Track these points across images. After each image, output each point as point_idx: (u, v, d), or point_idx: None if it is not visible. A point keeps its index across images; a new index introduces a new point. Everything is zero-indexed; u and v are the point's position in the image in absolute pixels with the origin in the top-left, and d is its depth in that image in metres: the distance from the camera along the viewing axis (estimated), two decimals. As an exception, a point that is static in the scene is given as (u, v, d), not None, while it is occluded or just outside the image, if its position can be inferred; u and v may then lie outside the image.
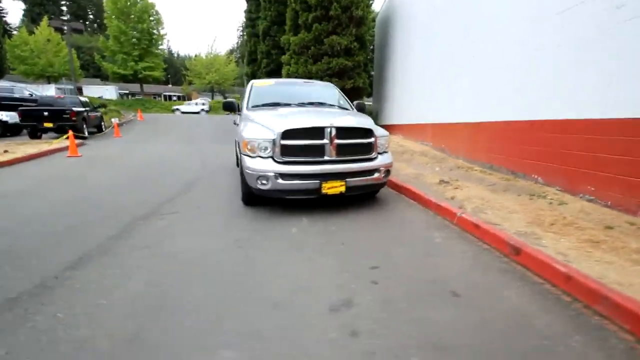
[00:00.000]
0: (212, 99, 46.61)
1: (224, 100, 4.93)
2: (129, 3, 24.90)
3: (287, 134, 3.45)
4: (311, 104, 4.68)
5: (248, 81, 21.36)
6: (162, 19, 26.91)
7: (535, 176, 4.55)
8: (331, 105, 4.74)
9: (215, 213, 3.83)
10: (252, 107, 4.53)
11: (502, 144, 5.30)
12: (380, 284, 2.22)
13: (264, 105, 4.57)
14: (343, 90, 13.14)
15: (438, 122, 7.75)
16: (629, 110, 3.20)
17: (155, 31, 26.65)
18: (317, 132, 3.52)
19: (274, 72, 16.44)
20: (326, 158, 3.57)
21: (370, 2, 12.99)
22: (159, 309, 1.95)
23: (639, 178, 3.11)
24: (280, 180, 3.46)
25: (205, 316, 1.89)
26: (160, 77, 29.25)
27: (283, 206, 3.95)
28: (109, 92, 38.03)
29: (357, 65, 13.18)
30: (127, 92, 45.15)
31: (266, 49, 16.04)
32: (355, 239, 3.03)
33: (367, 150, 3.77)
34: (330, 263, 2.54)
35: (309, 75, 13.07)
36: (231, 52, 50.54)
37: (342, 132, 3.58)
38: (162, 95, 51.80)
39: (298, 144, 3.50)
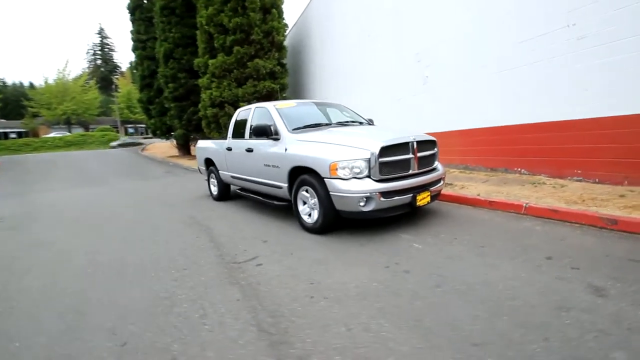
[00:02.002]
0: (70, 132, 38.84)
1: (258, 125, 4.34)
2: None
3: (383, 151, 3.43)
4: (346, 122, 4.69)
5: (144, 108, 18.97)
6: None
7: (519, 169, 5.65)
8: (360, 123, 4.85)
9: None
10: (294, 130, 4.25)
11: (477, 147, 6.35)
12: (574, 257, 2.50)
13: (305, 127, 4.35)
14: (271, 112, 13.12)
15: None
16: (605, 111, 4.42)
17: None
18: (404, 147, 3.61)
19: (185, 97, 15.02)
20: (411, 172, 3.68)
21: (286, 29, 13.44)
22: None
23: (620, 159, 4.31)
24: (382, 199, 3.39)
25: None
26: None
27: (355, 229, 3.83)
28: None
29: (283, 88, 13.35)
30: None
31: (171, 72, 14.53)
32: (493, 241, 3.22)
33: (433, 161, 4.05)
34: (511, 260, 2.69)
35: (236, 99, 12.55)
36: (91, 77, 43.19)
37: (421, 145, 3.77)
38: (-10, 133, 40.24)
39: (391, 160, 3.51)
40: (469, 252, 2.98)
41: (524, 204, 3.95)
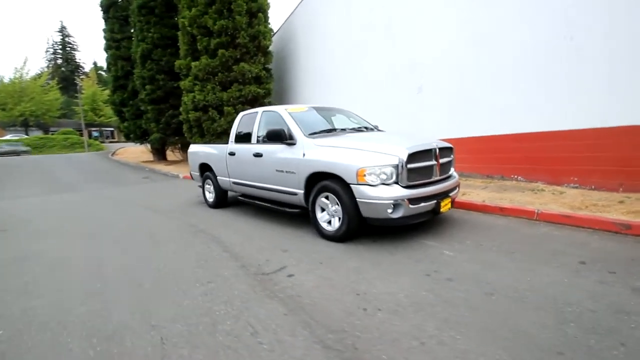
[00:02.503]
0: (27, 134, 36.11)
1: (273, 129, 4.18)
2: None
3: (410, 158, 3.41)
4: (359, 128, 4.65)
5: (116, 110, 17.97)
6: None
7: (515, 176, 5.87)
8: (371, 129, 4.83)
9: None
10: (310, 134, 4.14)
11: (472, 154, 6.54)
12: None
13: (321, 132, 4.27)
14: (256, 117, 12.89)
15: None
16: (600, 122, 4.69)
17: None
18: (428, 153, 3.62)
19: (163, 100, 14.41)
20: (434, 178, 3.69)
21: (273, 34, 13.31)
22: None
23: (614, 167, 4.58)
24: (410, 206, 3.36)
25: None
26: None
27: (376, 236, 3.78)
28: None
29: (268, 93, 13.17)
30: None
31: (149, 73, 13.88)
32: (519, 246, 3.27)
33: (450, 168, 4.09)
34: (536, 262, 2.73)
35: (220, 103, 12.23)
36: (52, 76, 40.41)
37: (442, 151, 3.79)
38: None
39: (417, 167, 3.50)
40: (502, 258, 3.00)
41: (536, 210, 4.07)
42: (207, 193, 6.39)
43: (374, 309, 2.26)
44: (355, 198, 3.41)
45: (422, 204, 3.45)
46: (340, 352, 1.84)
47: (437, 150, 3.70)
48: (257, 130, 4.87)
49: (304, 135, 4.12)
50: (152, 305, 2.52)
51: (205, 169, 6.31)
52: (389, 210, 3.29)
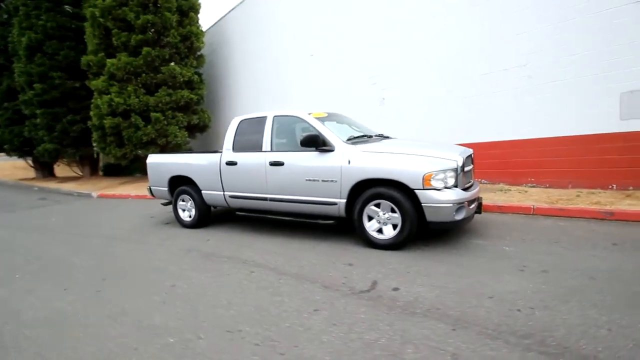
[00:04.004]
0: None
1: (308, 134, 3.76)
2: None
3: (464, 161, 3.58)
4: (373, 136, 4.63)
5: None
6: None
7: (480, 179, 6.72)
8: (386, 137, 4.85)
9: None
10: (348, 140, 3.97)
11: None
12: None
13: (355, 138, 4.13)
14: (189, 126, 11.67)
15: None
16: (550, 133, 5.78)
17: None
18: (469, 158, 3.87)
19: (59, 102, 11.63)
20: (471, 182, 3.96)
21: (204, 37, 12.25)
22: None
23: (564, 169, 5.70)
24: (470, 207, 3.52)
25: None
26: None
27: (422, 241, 3.86)
28: None
29: (201, 99, 12.05)
30: None
31: (39, 69, 11.00)
32: (553, 236, 3.70)
33: (471, 172, 4.45)
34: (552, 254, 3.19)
35: (147, 108, 10.63)
36: None
37: (470, 158, 4.09)
38: None
39: (467, 170, 3.70)
40: (556, 247, 3.39)
41: (532, 206, 4.75)
42: (180, 211, 5.43)
43: (526, 307, 2.28)
44: (421, 203, 3.39)
45: (472, 206, 3.66)
46: (558, 354, 1.80)
47: (471, 157, 3.99)
48: (271, 136, 4.40)
49: (343, 141, 3.91)
50: None
51: (180, 183, 5.37)
52: (456, 214, 3.38)
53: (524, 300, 2.39)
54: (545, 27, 5.64)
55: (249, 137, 4.63)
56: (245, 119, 4.82)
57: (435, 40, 7.00)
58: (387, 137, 4.54)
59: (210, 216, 5.41)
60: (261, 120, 4.60)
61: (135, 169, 14.75)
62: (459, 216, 3.42)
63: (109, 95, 10.37)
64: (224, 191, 4.83)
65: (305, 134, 3.90)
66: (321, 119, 4.26)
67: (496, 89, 6.31)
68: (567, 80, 5.54)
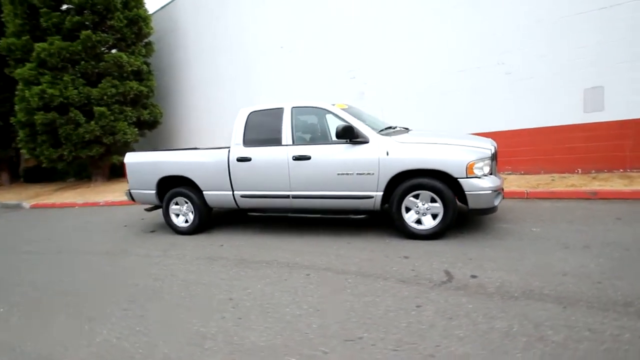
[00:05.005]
0: None
1: (343, 125, 3.52)
2: None
3: (495, 151, 3.77)
4: (393, 127, 4.63)
5: None
6: None
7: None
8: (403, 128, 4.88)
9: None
10: (380, 132, 3.90)
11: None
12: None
13: (386, 129, 4.08)
14: (139, 122, 10.50)
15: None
16: (522, 125, 6.41)
17: None
18: (494, 148, 4.08)
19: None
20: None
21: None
22: None
23: (536, 157, 6.39)
24: (503, 193, 3.72)
25: None
26: None
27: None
28: None
29: (151, 92, 10.86)
30: None
31: None
32: (562, 217, 4.08)
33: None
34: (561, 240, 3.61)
35: (88, 102, 9.23)
36: None
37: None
38: None
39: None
40: (576, 226, 3.75)
41: (525, 191, 5.22)
42: (174, 216, 4.81)
43: (603, 280, 2.47)
44: (464, 191, 3.48)
45: (502, 192, 3.88)
46: (677, 318, 1.98)
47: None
48: (292, 129, 4.12)
49: (377, 133, 3.83)
50: None
51: (172, 185, 4.75)
52: (495, 200, 3.54)
53: (595, 273, 2.59)
54: (519, 28, 6.22)
55: (264, 130, 4.27)
56: (255, 111, 4.42)
57: (414, 36, 7.26)
58: (407, 129, 4.56)
59: (210, 220, 4.89)
60: (277, 112, 4.27)
61: (65, 173, 12.73)
62: (497, 202, 3.59)
63: (39, 86, 8.73)
64: (233, 191, 4.39)
65: (341, 125, 3.71)
66: (346, 110, 4.11)
67: (475, 85, 6.78)
68: (537, 78, 6.19)
